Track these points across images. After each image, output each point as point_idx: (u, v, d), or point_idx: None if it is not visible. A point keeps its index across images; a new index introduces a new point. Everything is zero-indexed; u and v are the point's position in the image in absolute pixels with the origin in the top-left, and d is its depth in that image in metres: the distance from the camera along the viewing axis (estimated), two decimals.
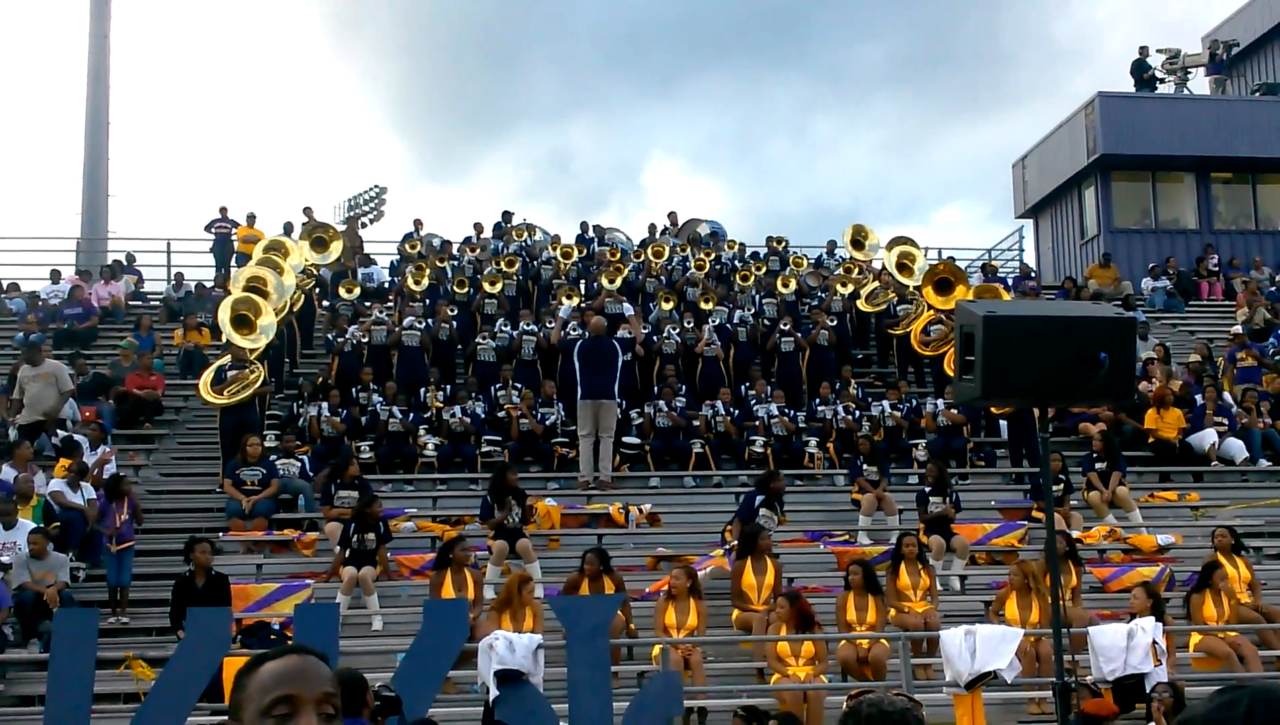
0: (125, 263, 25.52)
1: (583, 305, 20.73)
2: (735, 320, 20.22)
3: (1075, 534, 14.66)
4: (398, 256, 25.69)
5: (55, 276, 23.95)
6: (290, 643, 7.89)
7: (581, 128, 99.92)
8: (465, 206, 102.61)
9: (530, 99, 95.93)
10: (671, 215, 28.02)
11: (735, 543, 13.19)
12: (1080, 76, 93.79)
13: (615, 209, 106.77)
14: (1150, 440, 18.00)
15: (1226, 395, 18.77)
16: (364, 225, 35.78)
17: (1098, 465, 16.09)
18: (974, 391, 6.67)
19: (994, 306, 7.11)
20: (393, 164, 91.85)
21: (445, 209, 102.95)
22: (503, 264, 22.83)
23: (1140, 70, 30.15)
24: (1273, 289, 25.42)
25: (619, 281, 21.40)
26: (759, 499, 14.19)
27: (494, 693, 9.52)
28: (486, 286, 21.18)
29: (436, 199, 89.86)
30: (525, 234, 26.27)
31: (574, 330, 18.62)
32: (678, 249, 24.91)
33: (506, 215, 27.53)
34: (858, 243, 22.57)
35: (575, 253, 24.29)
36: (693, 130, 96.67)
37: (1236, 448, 17.78)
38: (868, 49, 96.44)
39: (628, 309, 20.09)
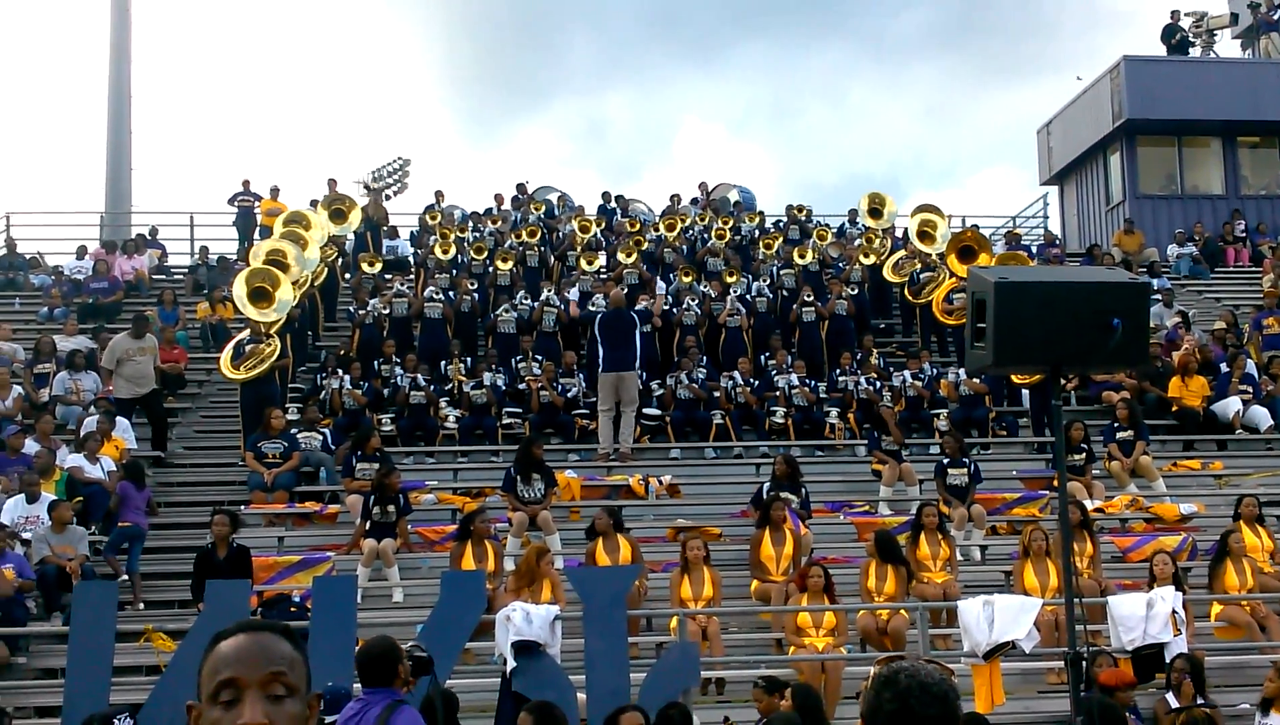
0: (148, 237, 25.61)
1: (603, 275, 20.70)
2: (754, 291, 20.14)
3: (1097, 503, 14.60)
4: (418, 228, 25.73)
5: (81, 252, 24.01)
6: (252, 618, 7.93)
7: (618, 96, 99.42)
8: (503, 175, 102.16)
9: (568, 68, 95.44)
10: (702, 185, 27.96)
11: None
12: (1120, 42, 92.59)
13: (649, 178, 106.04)
14: (1174, 408, 17.85)
15: (1251, 363, 18.57)
16: (387, 197, 35.86)
17: (1121, 434, 15.97)
18: (986, 358, 6.62)
19: (1006, 272, 7.05)
20: (428, 133, 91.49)
21: (483, 178, 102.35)
22: (524, 235, 22.82)
23: (1171, 35, 29.77)
24: None
25: (635, 256, 21.35)
26: (766, 486, 13.97)
27: (511, 664, 9.56)
28: (499, 262, 21.11)
29: (473, 167, 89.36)
30: (545, 206, 26.26)
31: (593, 304, 18.59)
32: (698, 218, 24.83)
33: (521, 187, 27.48)
34: (875, 211, 22.40)
35: (594, 226, 24.21)
36: (730, 98, 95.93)
37: (1261, 416, 17.57)
38: (908, 16, 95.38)
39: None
